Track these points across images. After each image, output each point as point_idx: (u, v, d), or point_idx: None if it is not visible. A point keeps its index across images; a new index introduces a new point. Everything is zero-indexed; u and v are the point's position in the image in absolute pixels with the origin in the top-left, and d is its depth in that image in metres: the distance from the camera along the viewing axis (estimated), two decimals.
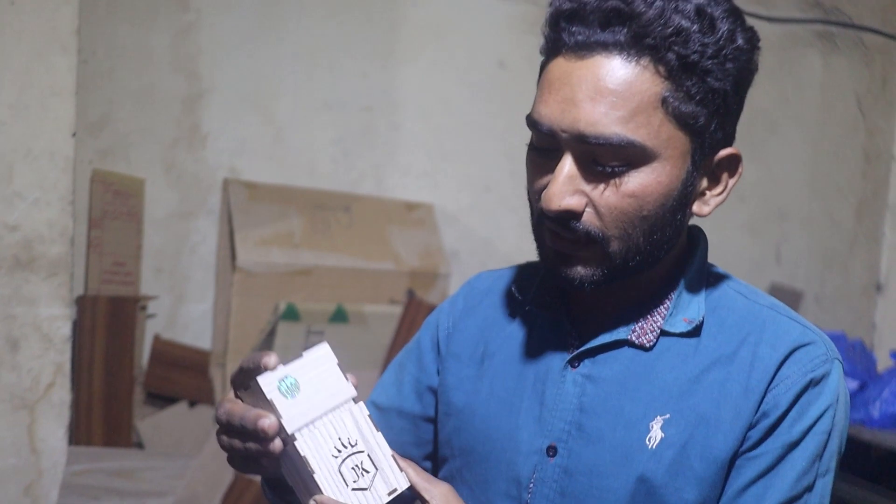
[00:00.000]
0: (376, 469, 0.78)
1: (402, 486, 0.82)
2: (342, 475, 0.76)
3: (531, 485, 0.96)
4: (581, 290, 0.92)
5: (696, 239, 1.01)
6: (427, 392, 1.12)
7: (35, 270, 2.18)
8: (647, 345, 0.94)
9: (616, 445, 0.91)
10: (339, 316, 2.50)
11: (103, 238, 2.47)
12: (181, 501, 2.32)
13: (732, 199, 3.76)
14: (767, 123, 3.68)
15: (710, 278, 1.00)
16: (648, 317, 0.96)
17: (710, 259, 1.03)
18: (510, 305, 1.08)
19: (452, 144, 3.04)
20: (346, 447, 0.76)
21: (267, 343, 2.47)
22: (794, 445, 0.88)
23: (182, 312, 2.66)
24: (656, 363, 0.93)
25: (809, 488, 0.89)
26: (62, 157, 2.19)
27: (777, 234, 3.75)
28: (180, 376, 2.55)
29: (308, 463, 0.74)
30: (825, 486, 0.91)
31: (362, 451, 0.76)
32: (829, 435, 0.90)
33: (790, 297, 3.72)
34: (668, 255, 0.96)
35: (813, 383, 0.90)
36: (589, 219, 0.88)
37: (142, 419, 2.48)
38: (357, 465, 0.76)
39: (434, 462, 1.14)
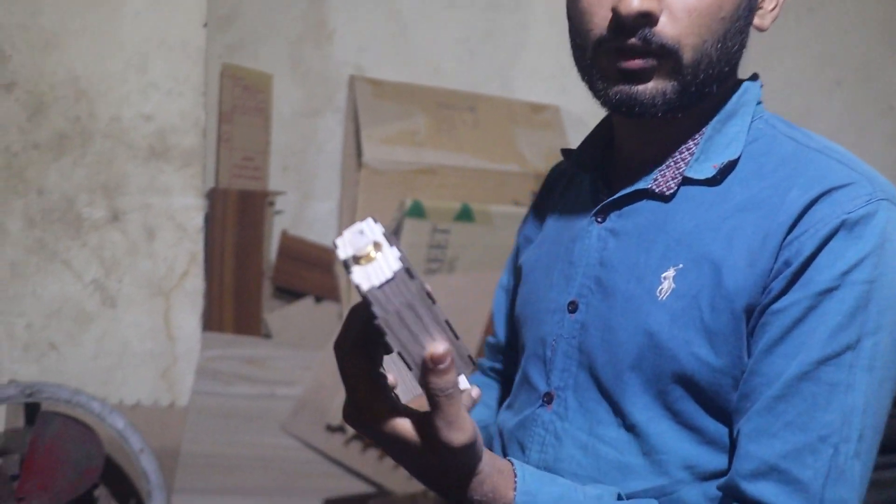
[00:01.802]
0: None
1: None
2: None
3: (553, 341, 0.96)
4: (653, 112, 0.85)
5: (745, 86, 0.95)
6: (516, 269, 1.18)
7: (169, 160, 2.22)
8: (667, 193, 0.90)
9: (627, 298, 0.89)
10: (465, 214, 2.47)
11: (233, 132, 2.49)
12: (308, 391, 2.37)
13: (878, 107, 3.55)
14: None
15: (759, 123, 0.92)
16: (672, 164, 0.91)
17: None
18: (567, 173, 1.12)
19: None
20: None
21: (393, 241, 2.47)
22: (823, 294, 0.78)
23: (308, 209, 2.67)
24: (675, 213, 0.89)
25: (851, 347, 0.77)
26: (194, 47, 2.20)
27: None
28: (307, 272, 2.58)
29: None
30: (876, 346, 0.78)
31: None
32: (873, 285, 0.78)
33: None
34: (712, 96, 0.90)
35: (847, 224, 0.79)
36: (664, 28, 0.83)
37: (270, 312, 2.53)
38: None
39: None
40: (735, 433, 0.82)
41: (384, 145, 2.53)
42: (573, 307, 0.95)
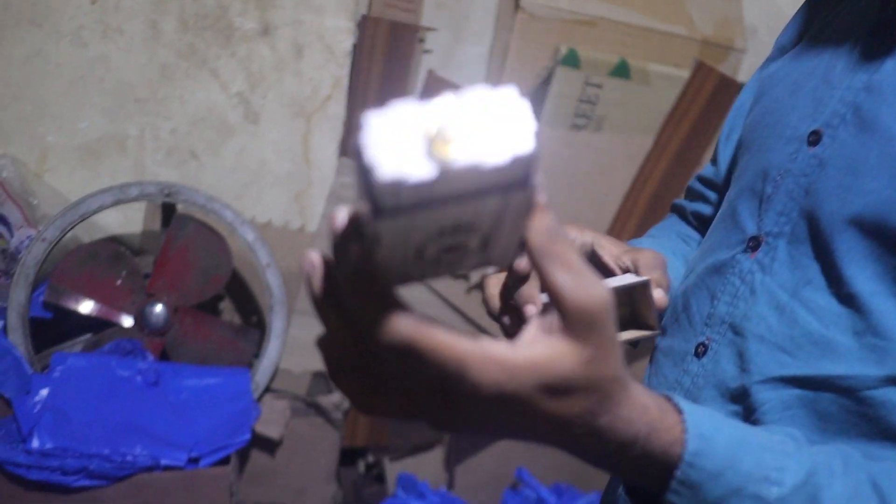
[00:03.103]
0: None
1: None
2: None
3: (778, 176, 0.79)
4: None
5: None
6: None
7: None
8: None
9: (890, 138, 0.70)
10: (621, 70, 2.33)
11: None
12: None
13: None
14: None
15: None
16: None
17: None
18: None
19: None
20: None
21: (542, 90, 2.36)
22: None
23: (458, 52, 2.58)
24: None
25: None
26: None
27: None
28: None
29: None
30: None
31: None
32: None
33: None
34: None
35: None
36: None
37: None
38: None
39: None
40: None
41: None
42: (815, 138, 0.77)
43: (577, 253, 0.48)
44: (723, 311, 0.82)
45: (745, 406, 0.77)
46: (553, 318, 0.49)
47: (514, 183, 0.43)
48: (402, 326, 0.45)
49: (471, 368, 0.46)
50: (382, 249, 0.45)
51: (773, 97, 0.87)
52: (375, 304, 0.46)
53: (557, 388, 0.48)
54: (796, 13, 0.98)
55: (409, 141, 0.41)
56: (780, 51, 0.96)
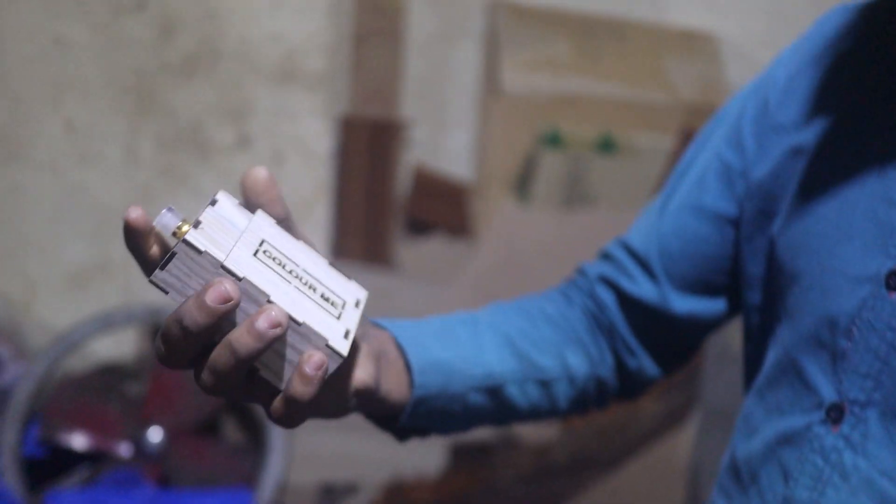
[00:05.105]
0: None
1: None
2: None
3: (853, 329, 0.61)
4: None
5: None
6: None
7: (297, 84, 2.15)
8: None
9: None
10: (607, 144, 2.30)
11: (364, 58, 2.39)
12: None
13: None
14: None
15: None
16: None
17: None
18: (872, 55, 0.68)
19: None
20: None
21: (528, 174, 2.33)
22: None
23: (442, 141, 2.56)
24: None
25: None
26: None
27: None
28: (439, 206, 2.48)
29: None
30: None
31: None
32: None
33: None
34: None
35: None
36: None
37: (400, 245, 2.45)
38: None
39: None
40: None
41: (524, 73, 2.38)
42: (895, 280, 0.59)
43: None
44: (804, 497, 0.64)
45: None
46: None
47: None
48: None
49: None
50: None
51: (814, 214, 0.67)
52: None
53: None
54: (797, 81, 0.74)
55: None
56: (779, 128, 0.72)
